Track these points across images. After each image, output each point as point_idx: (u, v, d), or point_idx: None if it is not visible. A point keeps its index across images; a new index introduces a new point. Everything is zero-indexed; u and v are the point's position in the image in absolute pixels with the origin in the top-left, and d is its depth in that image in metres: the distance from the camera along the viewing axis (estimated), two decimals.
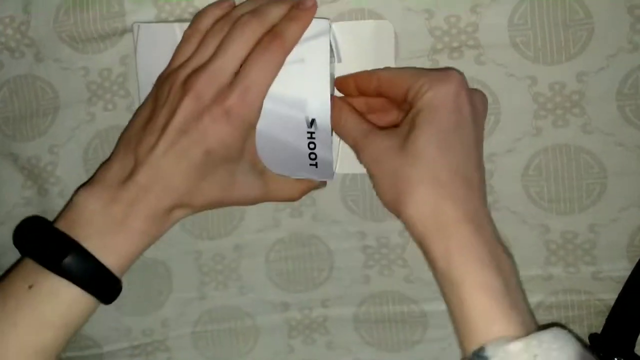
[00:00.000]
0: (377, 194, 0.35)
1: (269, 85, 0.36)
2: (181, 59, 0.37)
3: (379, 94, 0.37)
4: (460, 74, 0.34)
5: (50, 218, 0.44)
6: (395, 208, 0.33)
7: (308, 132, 0.37)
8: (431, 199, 0.31)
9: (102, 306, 0.45)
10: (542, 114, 0.39)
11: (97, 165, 0.42)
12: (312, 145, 0.37)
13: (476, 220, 0.31)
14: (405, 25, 0.39)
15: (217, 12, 0.38)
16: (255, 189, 0.38)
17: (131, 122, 0.38)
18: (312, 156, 0.37)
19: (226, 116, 0.34)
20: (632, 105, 0.38)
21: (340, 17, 0.39)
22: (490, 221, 0.33)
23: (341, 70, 0.39)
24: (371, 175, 0.35)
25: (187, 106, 0.34)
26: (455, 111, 0.33)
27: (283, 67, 0.36)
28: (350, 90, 0.38)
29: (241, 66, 0.35)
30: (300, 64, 0.36)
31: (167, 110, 0.35)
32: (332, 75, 0.37)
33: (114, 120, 0.43)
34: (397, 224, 0.42)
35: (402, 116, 0.36)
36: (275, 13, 0.36)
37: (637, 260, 0.40)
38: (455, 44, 0.39)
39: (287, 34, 0.35)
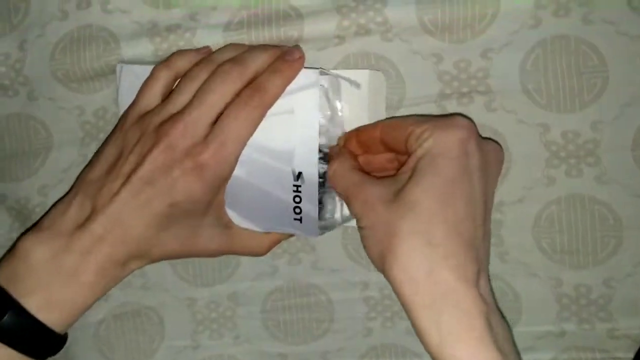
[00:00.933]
0: (365, 248, 0.32)
1: (246, 140, 0.34)
2: (151, 100, 0.36)
3: (383, 147, 0.35)
4: (469, 120, 0.32)
5: None
6: (381, 265, 0.30)
7: (294, 186, 0.36)
8: (423, 260, 0.28)
9: (92, 356, 0.44)
10: (554, 162, 0.38)
11: None
12: (297, 199, 0.36)
13: (475, 290, 0.28)
14: (412, 69, 0.38)
15: (195, 57, 0.37)
16: (218, 243, 0.37)
17: (93, 163, 0.36)
18: (297, 210, 0.36)
19: (198, 171, 0.33)
20: None
21: (346, 60, 0.39)
22: (490, 288, 0.30)
23: (332, 122, 0.38)
24: (359, 227, 0.32)
25: (158, 156, 0.33)
26: (459, 160, 0.30)
27: (271, 118, 0.35)
28: (353, 147, 0.37)
29: (218, 118, 0.34)
30: (289, 115, 0.35)
31: (135, 157, 0.34)
32: (325, 126, 0.36)
33: None
34: None
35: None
36: (259, 62, 0.35)
37: None
38: (464, 90, 0.38)
39: (270, 87, 0.34)
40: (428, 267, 0.28)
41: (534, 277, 0.40)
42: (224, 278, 0.43)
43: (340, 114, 0.38)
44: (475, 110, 0.38)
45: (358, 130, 0.37)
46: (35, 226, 0.34)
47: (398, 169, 0.33)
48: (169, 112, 0.34)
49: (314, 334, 0.43)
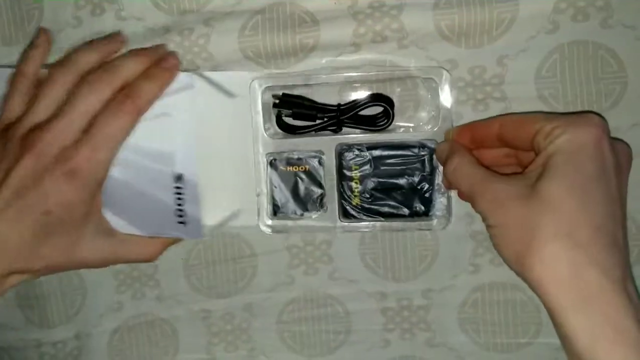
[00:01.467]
0: (496, 246, 0.30)
1: (119, 144, 0.35)
2: (15, 109, 0.35)
3: (500, 143, 0.34)
4: (602, 117, 0.30)
5: None
6: (519, 264, 0.29)
7: (175, 187, 0.36)
8: (570, 261, 0.27)
9: None
10: None
11: None
12: (179, 202, 0.36)
13: (625, 293, 0.27)
14: (429, 72, 0.38)
15: (41, 56, 0.37)
16: (102, 251, 0.37)
17: None
18: (180, 213, 0.36)
19: (70, 176, 0.33)
20: None
21: (362, 67, 0.39)
22: (636, 289, 0.28)
23: (201, 124, 0.38)
24: (490, 225, 0.30)
25: (26, 165, 0.33)
26: (596, 158, 0.28)
27: (150, 121, 0.35)
28: (466, 143, 0.36)
29: (89, 123, 0.34)
30: (166, 118, 0.36)
31: (2, 168, 0.33)
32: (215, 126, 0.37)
33: None
34: (420, 285, 0.41)
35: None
36: (130, 69, 0.35)
37: None
38: (479, 96, 0.38)
39: (142, 93, 0.35)
40: (575, 269, 0.27)
41: None
42: (240, 289, 0.43)
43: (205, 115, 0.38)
44: (490, 116, 0.38)
45: (472, 125, 0.36)
46: None
47: (519, 166, 0.33)
48: (33, 121, 0.34)
49: (330, 346, 0.43)
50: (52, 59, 0.41)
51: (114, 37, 0.39)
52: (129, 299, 0.44)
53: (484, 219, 0.31)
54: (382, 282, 0.42)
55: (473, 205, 0.32)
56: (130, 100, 0.34)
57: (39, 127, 0.34)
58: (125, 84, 0.35)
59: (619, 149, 0.31)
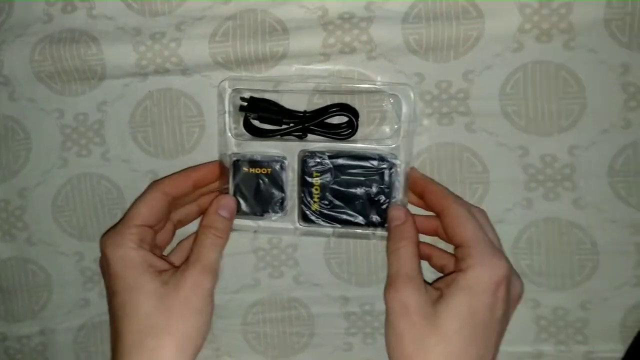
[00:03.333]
0: (389, 341, 0.36)
1: None
2: (145, 217, 0.40)
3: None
4: (508, 262, 0.36)
5: (17, 265, 0.46)
6: None
7: None
8: None
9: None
10: (532, 185, 0.41)
11: (66, 213, 0.45)
12: None
13: None
14: (395, 88, 0.41)
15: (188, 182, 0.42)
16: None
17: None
18: None
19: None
20: (624, 183, 0.40)
21: (330, 77, 0.42)
22: None
23: None
24: (389, 320, 0.36)
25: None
26: (490, 307, 0.35)
27: None
28: (418, 192, 0.41)
29: None
30: None
31: None
32: None
33: (87, 167, 0.45)
34: (382, 290, 0.43)
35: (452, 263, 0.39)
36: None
37: (630, 342, 0.41)
38: (445, 110, 0.41)
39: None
40: None
41: None
42: None
43: None
44: (455, 130, 0.42)
45: (426, 185, 0.40)
46: None
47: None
48: None
49: (294, 348, 0.46)
50: (14, 55, 0.43)
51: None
52: (95, 296, 0.47)
53: (388, 311, 0.36)
54: (345, 287, 0.45)
55: (385, 290, 0.37)
56: None
57: None
58: None
59: (514, 290, 0.37)
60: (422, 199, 0.41)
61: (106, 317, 0.46)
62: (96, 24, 0.43)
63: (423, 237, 0.41)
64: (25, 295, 0.47)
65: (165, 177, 0.42)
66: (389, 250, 0.39)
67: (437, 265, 0.42)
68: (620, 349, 0.42)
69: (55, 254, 0.46)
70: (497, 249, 0.37)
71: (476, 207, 0.41)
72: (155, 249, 0.41)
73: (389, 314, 0.36)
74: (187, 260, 0.38)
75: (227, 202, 0.41)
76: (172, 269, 0.39)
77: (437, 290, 0.37)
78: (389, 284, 0.37)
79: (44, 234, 0.46)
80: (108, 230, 0.40)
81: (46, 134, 0.45)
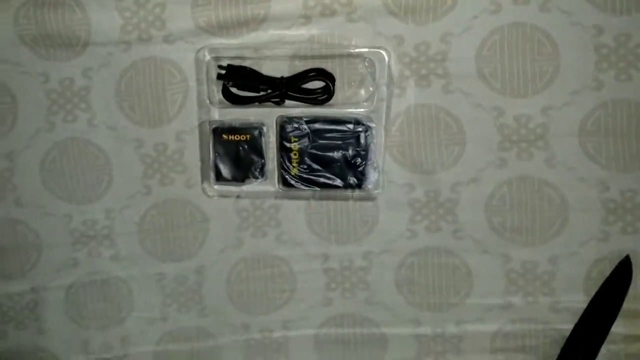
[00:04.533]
0: None
1: None
2: None
3: None
4: None
5: (6, 225, 0.46)
6: None
7: None
8: None
9: (60, 318, 0.47)
10: (506, 145, 0.42)
11: (54, 176, 0.45)
12: None
13: None
14: (371, 53, 0.41)
15: None
16: None
17: None
18: None
19: None
20: (594, 142, 0.41)
21: (311, 39, 0.41)
22: None
23: None
24: None
25: None
26: None
27: None
28: None
29: None
30: None
31: None
32: None
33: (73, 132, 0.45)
34: (361, 248, 0.45)
35: None
36: None
37: (593, 292, 0.43)
38: (423, 72, 0.41)
39: None
40: None
41: (485, 254, 0.44)
42: (192, 253, 0.46)
43: None
44: (432, 92, 0.41)
45: None
46: None
47: None
48: None
49: (276, 304, 0.47)
50: (4, 13, 0.42)
51: None
52: (84, 256, 0.47)
53: None
54: (326, 245, 0.45)
55: None
56: None
57: None
58: None
59: None
60: None
61: (94, 277, 0.47)
62: None
63: None
64: (16, 255, 0.47)
65: None
66: None
67: None
68: (584, 300, 0.43)
69: (44, 215, 0.46)
70: None
71: None
72: None
73: None
74: None
75: None
76: None
77: None
78: None
79: (32, 196, 0.46)
80: None
81: (32, 98, 0.44)
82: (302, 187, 0.43)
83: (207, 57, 0.42)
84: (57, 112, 0.44)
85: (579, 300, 0.43)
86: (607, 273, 0.42)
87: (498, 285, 0.44)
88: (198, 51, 0.41)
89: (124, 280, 0.47)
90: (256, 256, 0.46)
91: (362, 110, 0.42)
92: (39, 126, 0.45)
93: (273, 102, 0.42)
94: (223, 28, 0.41)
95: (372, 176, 0.42)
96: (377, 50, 0.40)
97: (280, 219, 0.45)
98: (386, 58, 0.40)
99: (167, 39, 0.42)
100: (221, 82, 0.42)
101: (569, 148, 0.41)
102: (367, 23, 0.41)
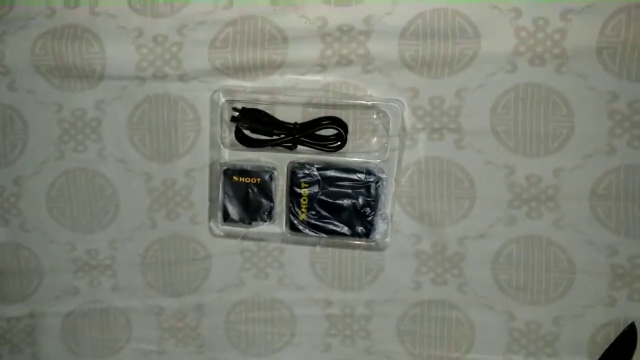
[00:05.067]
0: None
1: None
2: None
3: None
4: None
5: (10, 250, 0.46)
6: None
7: None
8: None
9: (56, 345, 0.47)
10: (516, 203, 0.41)
11: (60, 204, 0.44)
12: None
13: None
14: (385, 104, 0.41)
15: None
16: None
17: None
18: None
19: None
20: (604, 207, 0.40)
21: (325, 88, 0.41)
22: None
23: None
24: None
25: None
26: None
27: None
28: None
29: None
30: None
31: None
32: None
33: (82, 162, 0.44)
34: (364, 296, 0.44)
35: None
36: None
37: (597, 357, 0.42)
38: (436, 125, 0.41)
39: None
40: None
41: (489, 310, 0.43)
42: (193, 289, 0.45)
43: None
44: (444, 146, 0.41)
45: None
46: None
47: None
48: None
49: (274, 347, 0.46)
50: (15, 46, 0.42)
51: None
52: (85, 285, 0.46)
53: None
54: (328, 290, 0.44)
55: None
56: None
57: None
58: None
59: None
60: None
61: (94, 306, 0.46)
62: (98, 21, 0.42)
63: None
64: (17, 279, 0.46)
65: None
66: None
67: None
68: None
69: (48, 242, 0.45)
70: None
71: None
72: None
73: None
74: None
75: None
76: None
77: None
78: None
79: (37, 221, 0.45)
80: None
81: (44, 126, 0.44)
82: (310, 232, 0.42)
83: (222, 100, 0.41)
84: (67, 142, 0.44)
85: None
86: (612, 338, 0.41)
87: (500, 343, 0.43)
88: (213, 93, 0.41)
89: (123, 311, 0.46)
90: (257, 297, 0.45)
91: (373, 160, 0.41)
92: (49, 154, 0.44)
93: (285, 146, 0.41)
94: (239, 70, 0.41)
95: (380, 226, 0.42)
96: (393, 102, 0.40)
97: (284, 261, 0.44)
98: (401, 112, 0.40)
99: (182, 78, 0.42)
100: (234, 124, 0.41)
101: (579, 210, 0.40)
102: (383, 74, 0.40)
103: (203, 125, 0.43)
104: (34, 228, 0.46)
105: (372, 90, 0.41)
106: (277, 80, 0.41)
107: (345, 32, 0.40)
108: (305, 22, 0.40)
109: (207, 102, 0.42)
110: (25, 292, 0.47)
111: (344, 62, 0.40)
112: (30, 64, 0.43)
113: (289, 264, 0.44)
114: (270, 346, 0.46)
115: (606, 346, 0.42)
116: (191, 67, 0.41)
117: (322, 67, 0.40)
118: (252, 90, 0.41)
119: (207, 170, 0.43)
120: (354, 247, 0.43)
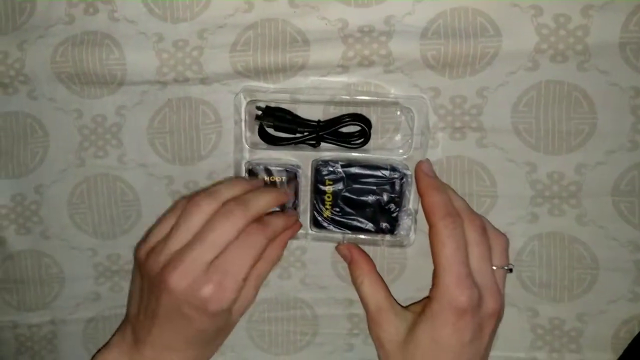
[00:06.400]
0: None
1: (245, 274, 0.36)
2: (163, 231, 0.37)
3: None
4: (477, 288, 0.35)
5: (32, 257, 0.45)
6: None
7: None
8: None
9: (77, 351, 0.46)
10: (538, 201, 0.40)
11: (81, 210, 0.44)
12: None
13: None
14: (409, 101, 0.40)
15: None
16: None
17: (130, 294, 0.40)
18: None
19: (202, 307, 0.35)
20: (627, 202, 0.39)
21: (347, 88, 0.40)
22: None
23: None
24: (378, 355, 0.39)
25: (166, 303, 0.35)
26: (452, 332, 0.35)
27: None
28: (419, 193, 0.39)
29: (221, 252, 0.35)
30: None
31: (151, 302, 0.36)
32: None
33: (103, 168, 0.44)
34: None
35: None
36: (262, 205, 0.37)
37: (621, 352, 0.42)
38: (458, 124, 0.40)
39: (273, 226, 0.37)
40: None
41: (512, 307, 0.42)
42: None
43: None
44: (466, 145, 0.40)
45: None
46: (106, 343, 0.40)
47: None
48: (170, 250, 0.36)
49: (296, 346, 0.45)
50: (35, 55, 0.42)
51: (257, 181, 0.41)
52: (106, 290, 0.45)
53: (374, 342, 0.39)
54: (351, 290, 0.43)
55: (368, 326, 0.39)
56: (261, 231, 0.36)
57: (172, 259, 0.35)
58: (258, 217, 0.37)
59: (485, 309, 0.35)
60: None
61: (116, 312, 0.46)
62: (118, 27, 0.41)
63: None
64: (38, 287, 0.45)
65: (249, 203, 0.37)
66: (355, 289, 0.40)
67: None
68: (611, 358, 0.41)
69: (69, 249, 0.44)
70: (466, 275, 0.35)
71: (475, 216, 0.38)
72: None
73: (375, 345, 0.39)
74: None
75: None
76: None
77: (414, 314, 0.37)
78: (367, 319, 0.39)
79: (58, 229, 0.44)
80: None
81: (64, 134, 0.43)
82: (334, 229, 0.42)
83: (244, 100, 0.41)
84: (87, 148, 0.43)
85: (606, 359, 0.42)
86: (636, 333, 0.41)
87: (524, 340, 0.42)
88: (237, 94, 0.40)
89: None
90: (280, 297, 0.44)
91: (397, 157, 0.40)
92: (70, 161, 0.43)
93: (309, 144, 0.41)
94: (260, 73, 0.40)
95: (405, 222, 0.41)
96: (417, 99, 0.39)
97: (306, 261, 0.44)
98: (425, 108, 0.39)
99: (204, 81, 0.41)
100: (258, 122, 0.41)
101: (602, 207, 0.40)
102: (404, 74, 0.40)
103: (225, 127, 0.41)
104: (55, 235, 0.45)
105: (394, 90, 0.40)
106: (298, 82, 0.40)
107: (366, 32, 0.39)
108: (326, 24, 0.39)
109: (229, 104, 0.41)
110: (47, 299, 0.46)
111: (366, 62, 0.39)
112: (51, 72, 0.42)
113: (311, 263, 0.43)
114: (292, 345, 0.45)
115: (630, 341, 0.41)
116: (212, 71, 0.40)
117: (344, 69, 0.40)
118: (274, 90, 0.40)
119: (230, 171, 0.42)
120: (378, 243, 0.42)
